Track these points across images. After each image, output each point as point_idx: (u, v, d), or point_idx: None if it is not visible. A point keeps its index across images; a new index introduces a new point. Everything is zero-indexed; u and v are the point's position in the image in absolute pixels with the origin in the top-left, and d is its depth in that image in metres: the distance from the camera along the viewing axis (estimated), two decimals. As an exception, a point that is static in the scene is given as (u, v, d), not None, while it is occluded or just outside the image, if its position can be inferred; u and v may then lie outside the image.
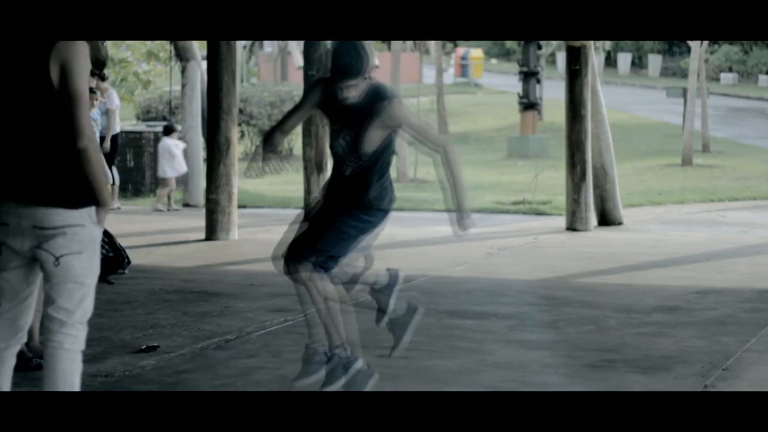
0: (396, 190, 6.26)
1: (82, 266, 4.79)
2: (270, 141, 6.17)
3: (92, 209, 4.81)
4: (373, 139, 5.93)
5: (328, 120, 6.07)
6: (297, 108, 6.19)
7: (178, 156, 16.78)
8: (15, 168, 4.81)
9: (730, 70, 48.55)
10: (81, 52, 4.75)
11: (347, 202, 6.03)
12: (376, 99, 5.90)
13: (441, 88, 32.60)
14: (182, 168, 16.76)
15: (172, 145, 16.83)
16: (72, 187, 4.76)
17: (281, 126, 6.20)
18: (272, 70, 43.22)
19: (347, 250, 6.06)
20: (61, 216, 4.75)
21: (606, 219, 13.96)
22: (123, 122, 18.08)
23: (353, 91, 5.86)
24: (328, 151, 14.34)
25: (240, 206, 13.66)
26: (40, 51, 4.74)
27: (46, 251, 4.76)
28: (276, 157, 6.19)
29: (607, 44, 43.69)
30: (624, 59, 53.75)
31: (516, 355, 7.16)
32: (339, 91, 5.86)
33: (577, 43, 13.25)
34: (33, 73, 4.75)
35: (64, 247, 4.75)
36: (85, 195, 4.78)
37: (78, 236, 4.77)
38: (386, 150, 6.02)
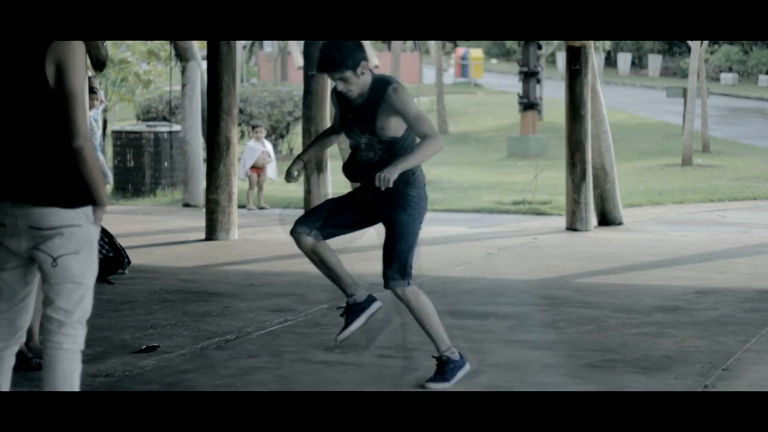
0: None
1: (80, 266, 4.78)
2: (322, 140, 6.63)
3: (89, 209, 4.79)
4: (389, 126, 6.15)
5: (342, 116, 6.36)
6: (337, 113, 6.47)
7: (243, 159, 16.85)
8: (11, 168, 4.80)
9: (730, 70, 48.57)
10: (76, 52, 4.73)
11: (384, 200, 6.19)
12: (380, 89, 6.16)
13: (441, 88, 32.64)
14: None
15: (249, 147, 17.11)
16: (68, 187, 4.74)
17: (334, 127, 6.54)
18: (272, 70, 43.21)
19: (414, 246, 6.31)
20: (57, 216, 4.74)
21: (606, 219, 13.95)
22: (123, 122, 18.06)
23: (352, 86, 6.12)
24: (327, 150, 14.39)
25: None
26: (36, 50, 4.72)
27: (43, 252, 4.75)
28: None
29: (607, 44, 43.70)
30: (624, 59, 53.79)
31: (516, 355, 7.16)
32: (337, 84, 6.17)
33: (577, 43, 13.24)
34: (28, 73, 4.73)
35: (61, 248, 4.74)
36: (82, 194, 4.76)
37: (75, 236, 4.76)
38: (409, 135, 6.22)
